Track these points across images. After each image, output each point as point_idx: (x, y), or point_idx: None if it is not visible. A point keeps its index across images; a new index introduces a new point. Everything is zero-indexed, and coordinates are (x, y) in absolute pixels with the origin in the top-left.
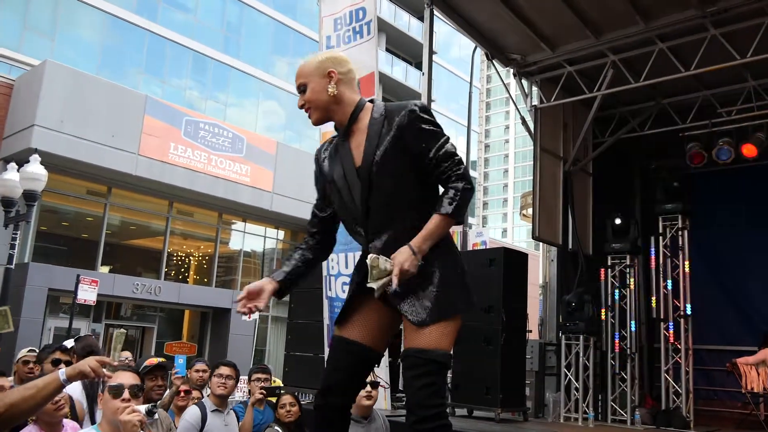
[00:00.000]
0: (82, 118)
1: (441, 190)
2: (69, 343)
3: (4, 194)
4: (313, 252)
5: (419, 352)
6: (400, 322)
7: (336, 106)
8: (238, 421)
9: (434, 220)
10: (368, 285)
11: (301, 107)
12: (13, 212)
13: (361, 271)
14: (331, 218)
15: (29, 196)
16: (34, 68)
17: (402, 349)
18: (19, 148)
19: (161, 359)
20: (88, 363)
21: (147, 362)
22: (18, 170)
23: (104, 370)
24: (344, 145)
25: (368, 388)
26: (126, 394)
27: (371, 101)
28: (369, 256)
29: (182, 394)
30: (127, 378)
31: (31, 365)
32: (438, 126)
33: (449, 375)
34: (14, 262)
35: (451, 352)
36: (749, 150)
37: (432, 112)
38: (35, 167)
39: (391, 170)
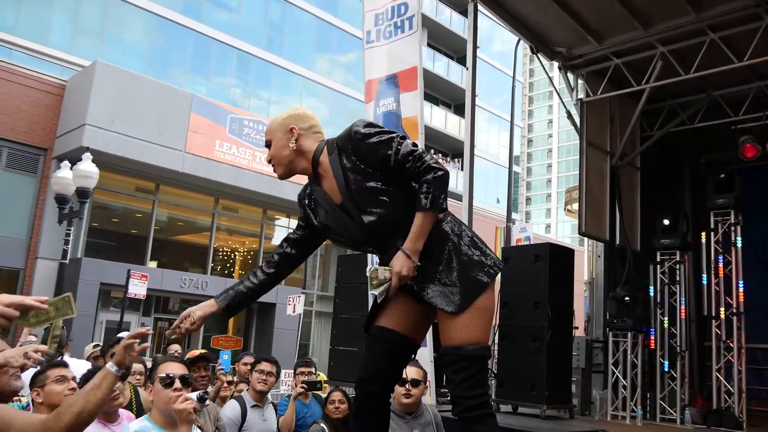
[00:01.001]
0: (131, 116)
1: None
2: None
3: (59, 191)
4: (270, 277)
5: (454, 349)
6: (434, 315)
7: (299, 158)
8: (277, 416)
9: (418, 219)
10: (370, 292)
11: (269, 162)
12: (67, 209)
13: None
14: (299, 251)
15: (82, 193)
16: (85, 69)
17: (440, 345)
18: (72, 147)
19: (203, 350)
20: (123, 345)
21: (189, 354)
22: (71, 168)
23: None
24: (318, 191)
25: (408, 386)
26: (177, 383)
27: (326, 142)
28: (367, 268)
29: (225, 385)
30: (176, 368)
31: (100, 359)
32: (386, 132)
33: (494, 371)
34: (68, 257)
35: (489, 340)
36: None
37: (373, 123)
38: (87, 165)
39: (371, 192)
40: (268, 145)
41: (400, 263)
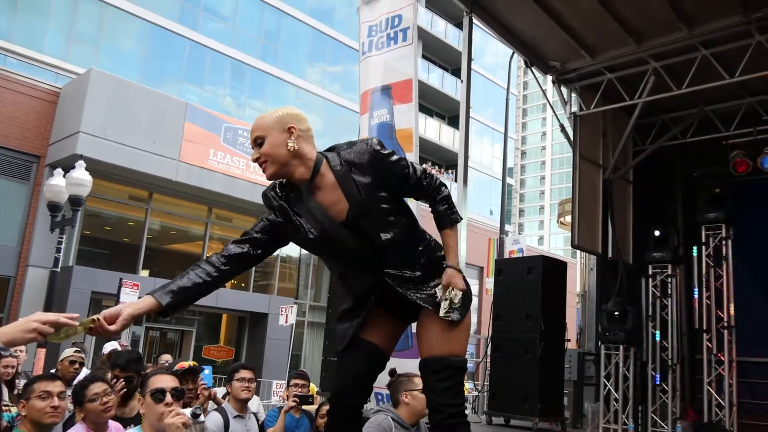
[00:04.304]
0: (125, 124)
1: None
2: (109, 346)
3: (51, 199)
4: (223, 274)
5: (439, 359)
6: (403, 329)
7: (296, 161)
8: (266, 428)
9: (450, 236)
10: (451, 317)
11: (256, 160)
12: (59, 217)
13: (363, 304)
14: (257, 252)
15: (74, 201)
16: (79, 76)
17: (420, 357)
18: (65, 154)
19: (192, 363)
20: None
21: (178, 366)
22: (64, 176)
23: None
24: (312, 201)
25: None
26: (168, 398)
27: (323, 154)
28: (440, 294)
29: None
30: (168, 381)
31: (77, 365)
32: (395, 152)
33: (486, 384)
34: (60, 265)
35: (467, 355)
36: None
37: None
38: (80, 173)
39: (383, 210)
40: (259, 142)
41: (461, 280)
